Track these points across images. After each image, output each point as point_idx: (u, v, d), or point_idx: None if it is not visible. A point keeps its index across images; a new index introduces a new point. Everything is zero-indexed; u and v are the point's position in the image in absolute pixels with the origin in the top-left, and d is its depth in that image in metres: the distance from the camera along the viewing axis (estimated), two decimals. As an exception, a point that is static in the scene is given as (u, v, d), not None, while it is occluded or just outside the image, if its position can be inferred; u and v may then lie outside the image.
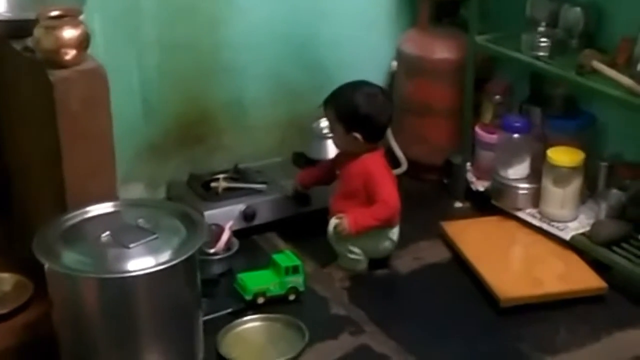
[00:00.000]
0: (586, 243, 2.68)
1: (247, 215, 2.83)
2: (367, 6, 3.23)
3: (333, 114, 2.66)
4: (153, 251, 2.06)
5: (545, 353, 2.37)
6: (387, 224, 2.66)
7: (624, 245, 2.62)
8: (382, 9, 3.27)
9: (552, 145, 2.79)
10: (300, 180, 2.85)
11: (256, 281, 2.54)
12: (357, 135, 2.62)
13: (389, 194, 2.63)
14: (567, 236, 2.73)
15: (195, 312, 2.23)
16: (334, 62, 3.17)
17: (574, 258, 2.69)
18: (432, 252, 2.83)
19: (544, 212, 2.83)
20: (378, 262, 2.75)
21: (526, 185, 2.89)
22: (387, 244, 2.70)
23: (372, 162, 2.65)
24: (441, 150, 3.17)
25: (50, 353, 2.17)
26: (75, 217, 2.19)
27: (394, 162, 3.20)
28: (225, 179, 2.93)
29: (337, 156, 2.77)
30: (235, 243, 2.72)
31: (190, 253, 2.09)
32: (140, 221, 2.15)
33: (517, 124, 2.89)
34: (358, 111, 2.61)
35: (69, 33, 2.14)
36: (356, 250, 2.66)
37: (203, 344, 2.27)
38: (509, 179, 2.91)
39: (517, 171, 2.91)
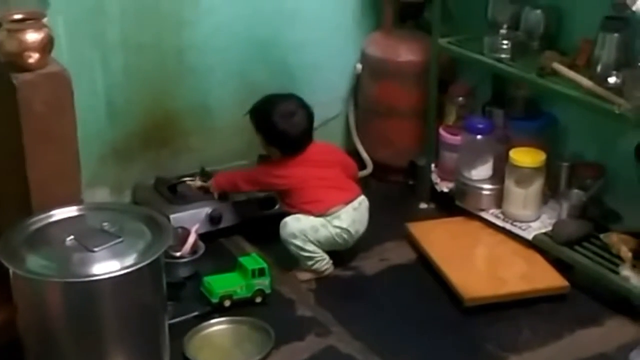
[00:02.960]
0: (548, 242, 2.71)
1: (213, 218, 2.84)
2: (332, 8, 3.25)
3: (254, 126, 2.79)
4: (118, 255, 2.06)
5: (509, 352, 2.40)
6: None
7: (586, 244, 2.66)
8: (346, 12, 3.29)
9: (514, 146, 2.83)
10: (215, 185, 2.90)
11: (222, 284, 2.54)
12: (275, 150, 2.74)
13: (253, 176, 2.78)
14: (529, 236, 2.76)
15: (161, 316, 2.22)
16: (299, 64, 3.19)
17: (537, 258, 2.73)
18: (397, 253, 2.86)
19: (506, 212, 2.86)
20: (343, 263, 2.76)
21: (489, 186, 2.92)
22: (337, 232, 2.69)
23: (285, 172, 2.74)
24: (406, 152, 3.19)
25: (15, 357, 2.16)
26: (39, 220, 2.19)
27: (359, 164, 3.22)
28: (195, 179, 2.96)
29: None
30: (202, 246, 2.73)
31: (155, 256, 2.09)
32: (105, 225, 2.15)
33: (480, 126, 2.92)
34: (274, 129, 2.72)
35: (32, 36, 2.14)
36: (308, 247, 2.67)
37: (169, 348, 2.27)
38: (473, 180, 2.94)
39: (480, 172, 2.94)
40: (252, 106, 2.80)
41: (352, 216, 2.72)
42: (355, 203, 2.73)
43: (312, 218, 2.67)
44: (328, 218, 2.69)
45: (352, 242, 2.75)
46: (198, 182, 2.94)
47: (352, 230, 2.72)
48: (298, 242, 2.66)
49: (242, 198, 2.90)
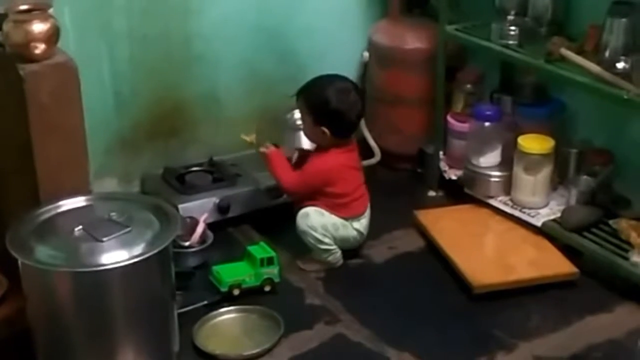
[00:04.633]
0: (557, 229, 2.71)
1: (222, 208, 2.84)
2: (339, -3, 3.24)
3: (304, 105, 2.67)
4: (126, 244, 2.06)
5: (518, 338, 2.40)
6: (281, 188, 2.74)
7: (595, 230, 2.65)
8: (353, 0, 3.28)
9: (522, 133, 2.82)
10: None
11: (231, 273, 2.54)
12: (325, 130, 2.64)
13: (299, 182, 2.67)
14: (538, 223, 2.75)
15: (170, 305, 2.23)
16: (307, 52, 3.18)
17: (546, 244, 2.72)
18: (406, 241, 2.85)
19: (515, 199, 2.86)
20: (352, 252, 2.76)
21: (498, 173, 2.91)
22: (354, 235, 2.71)
23: (329, 162, 2.66)
24: (414, 139, 3.19)
25: (25, 348, 2.17)
26: (48, 211, 2.19)
27: (367, 152, 3.22)
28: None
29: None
30: (210, 235, 2.73)
31: (163, 246, 2.09)
32: (113, 215, 2.15)
33: (488, 113, 2.91)
34: (328, 106, 2.62)
35: (39, 27, 2.13)
36: (327, 240, 2.67)
37: (179, 337, 2.28)
38: (481, 167, 2.93)
39: (489, 159, 2.93)
40: (302, 85, 2.70)
41: (367, 221, 2.74)
42: (369, 207, 2.75)
43: (335, 216, 2.67)
44: (349, 220, 2.69)
45: (359, 244, 2.76)
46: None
47: (365, 233, 2.74)
48: (317, 235, 2.65)
49: (251, 187, 2.89)
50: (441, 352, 2.36)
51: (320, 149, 2.70)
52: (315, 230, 2.65)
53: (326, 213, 2.67)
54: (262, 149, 2.74)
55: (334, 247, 2.69)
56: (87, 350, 2.12)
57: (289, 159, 2.76)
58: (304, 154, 2.77)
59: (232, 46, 3.07)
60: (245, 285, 2.53)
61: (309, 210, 2.66)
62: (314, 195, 2.68)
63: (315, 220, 2.65)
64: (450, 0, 2.92)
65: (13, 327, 2.24)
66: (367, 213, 2.74)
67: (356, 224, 2.70)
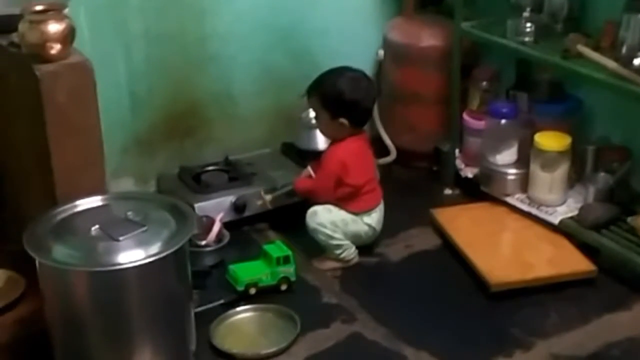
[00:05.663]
0: (575, 227, 2.69)
1: (238, 207, 2.84)
2: (353, -6, 3.24)
3: (318, 102, 2.67)
4: (143, 244, 2.07)
5: (536, 337, 2.39)
6: (311, 196, 2.70)
7: (612, 228, 2.64)
8: (367, -3, 3.28)
9: (539, 130, 2.80)
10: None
11: (248, 272, 2.54)
12: (344, 121, 2.63)
13: (322, 177, 2.67)
14: (555, 220, 2.74)
15: (186, 304, 2.23)
16: (321, 50, 3.18)
17: (563, 242, 2.71)
18: (422, 240, 2.85)
19: (532, 197, 2.84)
20: (368, 250, 2.75)
21: (514, 171, 2.90)
22: (365, 230, 2.70)
23: (344, 149, 2.66)
24: (430, 137, 3.18)
25: (43, 348, 2.18)
26: (65, 211, 2.20)
27: (383, 150, 3.21)
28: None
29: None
30: (226, 235, 2.73)
31: (179, 245, 2.09)
32: (130, 214, 2.16)
33: (504, 110, 2.90)
34: (343, 97, 2.62)
35: (54, 27, 2.14)
36: (337, 235, 2.66)
37: (195, 335, 2.28)
38: (497, 165, 2.92)
39: (505, 157, 2.92)
40: (312, 83, 2.70)
41: (379, 215, 2.73)
42: (382, 202, 2.74)
43: (343, 212, 2.67)
44: (360, 214, 2.68)
45: (372, 240, 2.75)
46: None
47: (377, 228, 2.73)
48: (327, 231, 2.65)
49: (266, 186, 2.89)
50: (458, 351, 2.35)
51: (334, 142, 2.70)
52: (325, 227, 2.65)
53: (334, 209, 2.66)
54: (267, 197, 2.81)
55: (346, 242, 2.68)
56: (104, 350, 2.12)
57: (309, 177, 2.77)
58: (318, 162, 2.76)
59: (247, 45, 3.07)
60: (261, 284, 2.54)
61: (317, 208, 2.66)
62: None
63: (324, 217, 2.65)
64: (465, -3, 2.92)
65: (31, 326, 2.25)
66: (380, 208, 2.73)
67: (367, 219, 2.69)
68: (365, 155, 2.72)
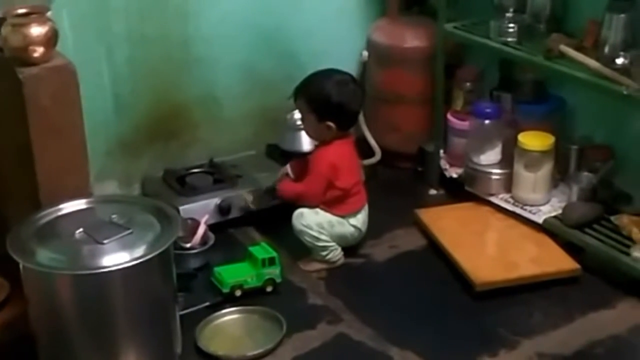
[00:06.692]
0: (559, 226, 2.70)
1: (223, 209, 2.83)
2: (337, -4, 3.24)
3: (305, 104, 2.67)
4: (127, 246, 2.06)
5: (520, 336, 2.40)
6: (302, 200, 2.68)
7: (596, 226, 2.65)
8: (351, -1, 3.29)
9: (522, 130, 2.81)
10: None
11: (233, 274, 2.54)
12: (331, 124, 2.63)
13: (312, 180, 2.66)
14: (539, 220, 2.75)
15: (171, 306, 2.23)
16: (305, 51, 3.18)
17: (547, 241, 2.72)
18: (407, 240, 2.85)
19: (516, 196, 2.85)
20: (353, 251, 2.76)
21: (498, 171, 2.91)
22: (351, 231, 2.71)
23: (334, 152, 2.66)
24: (414, 138, 3.18)
25: (28, 352, 2.17)
26: (49, 214, 2.19)
27: (368, 151, 3.21)
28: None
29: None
30: (211, 237, 2.73)
31: (164, 247, 2.09)
32: (114, 217, 2.15)
33: (488, 110, 2.91)
34: (330, 100, 2.62)
35: (37, 30, 2.14)
36: (324, 237, 2.66)
37: (181, 338, 2.28)
38: (482, 165, 2.93)
39: (489, 157, 2.93)
40: (299, 85, 2.69)
41: (364, 216, 2.73)
42: (366, 203, 2.74)
43: (329, 214, 2.67)
44: (346, 216, 2.69)
45: (357, 241, 2.76)
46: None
47: (363, 229, 2.74)
48: (314, 233, 2.65)
49: (251, 188, 2.89)
50: (444, 350, 2.36)
51: (321, 144, 2.70)
52: (311, 229, 2.65)
53: (320, 212, 2.66)
54: (249, 197, 2.81)
55: (332, 243, 2.68)
56: (89, 353, 2.12)
57: (287, 176, 2.77)
58: (298, 162, 2.77)
59: (231, 47, 3.07)
60: (247, 286, 2.53)
61: (303, 210, 2.67)
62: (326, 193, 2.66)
63: (310, 218, 2.65)
64: (449, -2, 2.93)
65: (15, 330, 2.25)
66: (365, 208, 2.74)
67: (353, 220, 2.70)
68: (353, 158, 2.73)
